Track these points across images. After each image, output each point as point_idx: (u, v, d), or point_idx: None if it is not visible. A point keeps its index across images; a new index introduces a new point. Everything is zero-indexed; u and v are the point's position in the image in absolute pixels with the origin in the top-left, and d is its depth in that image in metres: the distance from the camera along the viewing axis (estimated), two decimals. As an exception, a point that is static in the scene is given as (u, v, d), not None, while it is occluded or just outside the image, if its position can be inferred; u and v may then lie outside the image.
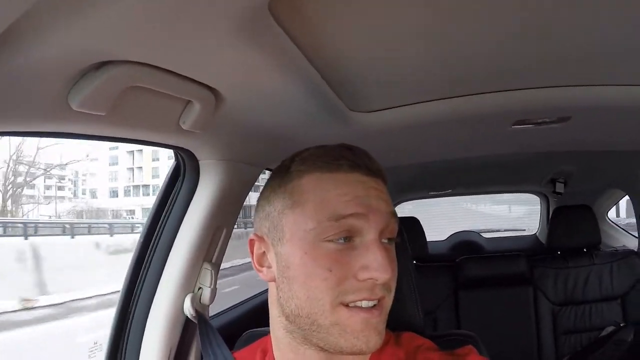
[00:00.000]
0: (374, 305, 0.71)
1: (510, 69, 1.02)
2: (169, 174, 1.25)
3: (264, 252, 0.78)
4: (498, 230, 3.90)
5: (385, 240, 0.73)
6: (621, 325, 2.58)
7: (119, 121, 0.82)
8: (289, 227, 0.74)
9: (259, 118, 1.06)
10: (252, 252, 0.80)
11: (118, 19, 0.56)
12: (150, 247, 1.22)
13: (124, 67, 0.67)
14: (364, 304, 0.70)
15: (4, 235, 15.20)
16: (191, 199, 1.21)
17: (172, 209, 1.22)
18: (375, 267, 0.68)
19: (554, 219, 2.77)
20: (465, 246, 3.45)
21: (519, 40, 0.88)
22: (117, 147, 38.76)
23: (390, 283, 0.72)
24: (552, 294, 2.68)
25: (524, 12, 0.78)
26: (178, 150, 1.15)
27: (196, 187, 1.21)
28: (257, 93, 0.91)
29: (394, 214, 0.75)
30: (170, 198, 1.23)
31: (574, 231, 2.67)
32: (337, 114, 1.13)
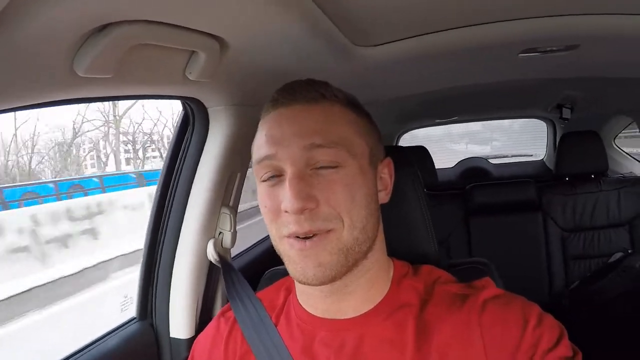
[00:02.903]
0: (314, 236, 0.74)
1: None
2: (178, 125, 1.25)
3: None
4: (505, 156, 3.90)
5: (323, 167, 0.75)
6: (629, 251, 2.63)
7: (126, 80, 0.84)
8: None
9: (265, 61, 1.05)
10: None
11: None
12: (168, 198, 1.25)
13: (126, 27, 0.67)
14: (300, 236, 0.75)
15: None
16: (203, 146, 1.22)
17: (185, 158, 1.24)
18: (285, 200, 0.73)
19: (561, 144, 2.77)
20: (474, 172, 3.49)
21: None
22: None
23: (329, 212, 0.74)
24: (561, 220, 2.72)
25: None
26: (185, 100, 1.15)
27: (207, 134, 1.22)
28: (260, 36, 0.90)
29: (318, 144, 0.75)
30: (182, 148, 1.24)
31: (581, 157, 2.67)
32: (342, 49, 1.12)
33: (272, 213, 0.77)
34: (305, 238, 0.74)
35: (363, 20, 1.01)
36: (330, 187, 0.74)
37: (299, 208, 0.72)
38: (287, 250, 0.77)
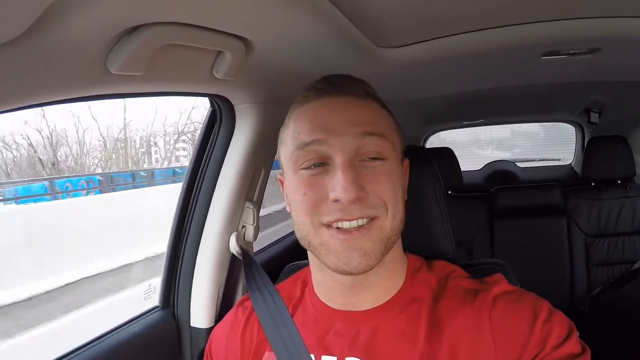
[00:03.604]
0: (361, 226, 0.75)
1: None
2: (206, 120, 1.28)
3: None
4: (533, 160, 3.84)
5: (369, 159, 0.77)
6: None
7: (156, 78, 0.87)
8: (283, 162, 0.84)
9: (289, 61, 1.07)
10: (283, 192, 0.89)
11: None
12: (194, 191, 1.28)
13: (156, 28, 0.70)
14: (345, 224, 0.75)
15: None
16: (229, 142, 1.25)
17: (211, 153, 1.27)
18: (337, 188, 0.73)
19: (588, 149, 2.72)
20: (500, 176, 3.44)
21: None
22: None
23: (376, 201, 0.76)
24: (585, 225, 2.68)
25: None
26: (213, 97, 1.19)
27: (233, 130, 1.25)
28: (284, 38, 0.92)
29: (369, 132, 0.77)
30: (209, 143, 1.28)
31: (608, 162, 2.62)
32: (365, 51, 1.13)
33: (311, 201, 0.77)
34: (349, 228, 0.76)
35: (385, 22, 1.03)
36: (378, 178, 0.76)
37: (354, 197, 0.73)
38: (326, 240, 0.77)
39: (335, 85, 0.82)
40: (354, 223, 0.75)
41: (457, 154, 2.82)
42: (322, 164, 0.77)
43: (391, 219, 0.77)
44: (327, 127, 0.77)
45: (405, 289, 0.86)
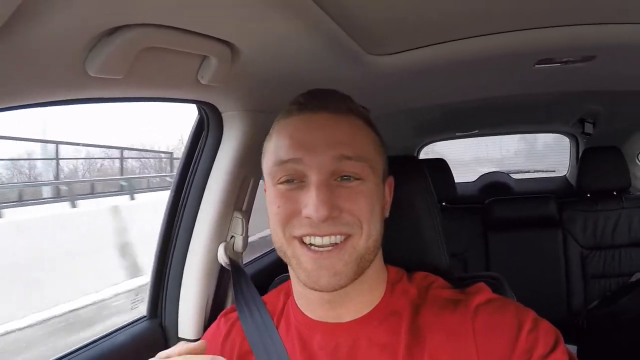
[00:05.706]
0: (334, 244, 0.75)
1: (531, 6, 0.98)
2: (194, 128, 1.26)
3: None
4: (527, 172, 3.84)
5: (346, 178, 0.77)
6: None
7: (137, 82, 0.85)
8: (264, 174, 0.84)
9: (278, 68, 1.05)
10: None
11: None
12: (181, 200, 1.26)
13: (137, 30, 0.68)
14: (317, 241, 0.75)
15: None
16: (217, 150, 1.23)
17: (199, 162, 1.25)
18: (310, 206, 0.73)
19: (583, 160, 2.72)
20: (495, 187, 3.44)
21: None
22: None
23: (350, 219, 0.76)
24: (581, 238, 2.67)
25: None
26: (200, 104, 1.17)
27: (221, 138, 1.23)
28: (272, 43, 0.91)
29: (347, 156, 0.76)
30: (197, 151, 1.26)
31: (603, 173, 2.62)
32: (355, 58, 1.11)
33: (284, 214, 0.77)
34: (321, 248, 0.75)
35: (376, 28, 1.01)
36: (354, 197, 0.76)
37: (325, 216, 0.73)
38: (297, 254, 0.77)
39: (317, 100, 0.81)
40: (327, 240, 0.75)
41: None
42: (297, 180, 0.77)
43: (366, 238, 0.77)
44: (304, 145, 0.77)
45: (385, 301, 0.85)
